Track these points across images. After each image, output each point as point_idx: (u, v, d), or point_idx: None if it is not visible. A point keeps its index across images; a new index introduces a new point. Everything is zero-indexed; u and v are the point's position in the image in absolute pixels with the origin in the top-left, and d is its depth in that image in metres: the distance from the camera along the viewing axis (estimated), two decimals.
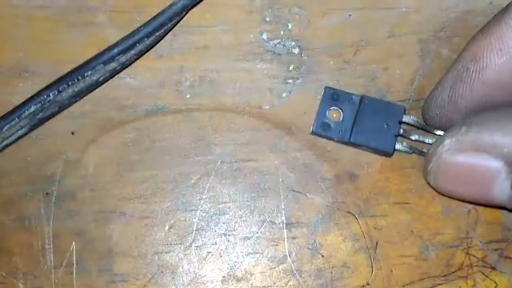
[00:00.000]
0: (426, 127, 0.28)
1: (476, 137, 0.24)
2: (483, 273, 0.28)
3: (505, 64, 0.25)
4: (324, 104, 0.29)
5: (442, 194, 0.27)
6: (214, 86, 0.30)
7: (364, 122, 0.28)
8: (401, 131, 0.28)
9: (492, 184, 0.24)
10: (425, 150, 0.28)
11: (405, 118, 0.28)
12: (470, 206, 0.29)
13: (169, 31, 0.29)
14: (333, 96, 0.29)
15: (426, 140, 0.28)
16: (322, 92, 0.29)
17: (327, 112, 0.29)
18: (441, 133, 0.28)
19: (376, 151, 0.29)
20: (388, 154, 0.29)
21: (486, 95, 0.25)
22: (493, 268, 0.29)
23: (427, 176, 0.27)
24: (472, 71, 0.25)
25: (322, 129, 0.29)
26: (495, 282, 0.28)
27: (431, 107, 0.28)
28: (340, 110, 0.29)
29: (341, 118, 0.29)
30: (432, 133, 0.28)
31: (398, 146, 0.28)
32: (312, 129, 0.29)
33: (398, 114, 0.28)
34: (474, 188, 0.25)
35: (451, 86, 0.26)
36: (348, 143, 0.29)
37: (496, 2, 0.30)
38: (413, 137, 0.28)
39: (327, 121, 0.29)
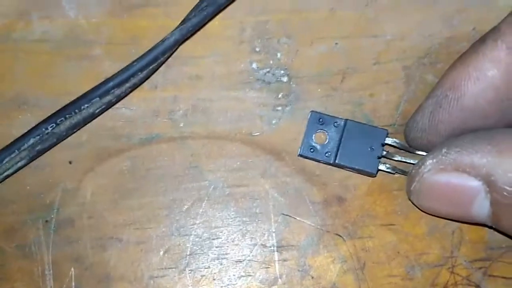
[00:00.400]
0: (408, 149, 0.30)
1: (456, 158, 0.25)
2: None
3: (482, 93, 0.26)
4: (310, 128, 0.30)
5: (426, 213, 0.28)
6: (206, 115, 0.31)
7: (348, 144, 0.30)
8: (384, 153, 0.30)
9: (472, 202, 0.25)
10: (407, 170, 0.29)
11: (388, 141, 0.30)
12: (455, 226, 0.30)
13: (162, 64, 0.30)
14: (319, 120, 0.30)
15: (408, 161, 0.30)
16: (309, 116, 0.30)
17: (313, 136, 0.30)
18: (423, 153, 0.29)
19: (360, 172, 0.30)
20: (371, 175, 0.30)
21: (464, 120, 0.27)
22: (478, 286, 0.30)
23: (410, 195, 0.28)
24: (451, 99, 0.27)
25: (309, 152, 0.30)
26: None
27: (412, 130, 0.29)
28: (326, 134, 0.30)
29: (326, 141, 0.30)
30: (414, 153, 0.29)
31: (381, 167, 0.29)
32: (299, 151, 0.30)
33: (381, 137, 0.30)
34: (455, 207, 0.26)
35: (431, 112, 0.28)
36: (333, 165, 0.30)
37: (479, 27, 0.31)
38: (396, 158, 0.30)
39: (313, 144, 0.30)
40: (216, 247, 0.30)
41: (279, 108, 0.31)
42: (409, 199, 0.28)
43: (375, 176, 0.30)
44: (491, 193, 0.25)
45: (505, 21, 0.26)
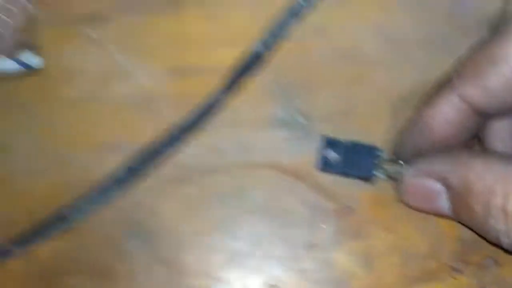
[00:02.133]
0: (394, 161, 0.37)
1: (425, 167, 0.33)
2: None
3: (446, 128, 0.34)
4: (322, 148, 0.39)
5: (413, 209, 0.35)
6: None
7: (351, 158, 0.38)
8: (377, 163, 0.38)
9: (439, 201, 0.33)
10: (396, 177, 0.37)
11: (380, 153, 0.38)
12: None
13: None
14: (327, 142, 0.38)
15: (397, 170, 0.37)
16: (320, 139, 0.39)
17: (325, 153, 0.39)
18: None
19: (361, 178, 0.38)
20: (369, 180, 0.38)
21: (430, 144, 0.35)
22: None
23: (400, 196, 0.35)
24: (420, 131, 0.35)
25: (324, 167, 0.38)
26: None
27: (395, 146, 0.38)
28: (335, 152, 0.38)
29: (336, 157, 0.38)
30: (399, 164, 0.37)
31: (377, 174, 0.38)
32: (317, 166, 0.39)
33: (375, 151, 0.38)
34: (430, 204, 0.34)
35: (408, 136, 0.36)
36: (343, 174, 0.38)
37: None
38: (385, 167, 0.38)
39: (326, 161, 0.39)
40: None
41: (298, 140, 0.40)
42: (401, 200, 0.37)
43: (371, 181, 0.38)
44: (449, 192, 0.32)
45: (457, 73, 0.33)
